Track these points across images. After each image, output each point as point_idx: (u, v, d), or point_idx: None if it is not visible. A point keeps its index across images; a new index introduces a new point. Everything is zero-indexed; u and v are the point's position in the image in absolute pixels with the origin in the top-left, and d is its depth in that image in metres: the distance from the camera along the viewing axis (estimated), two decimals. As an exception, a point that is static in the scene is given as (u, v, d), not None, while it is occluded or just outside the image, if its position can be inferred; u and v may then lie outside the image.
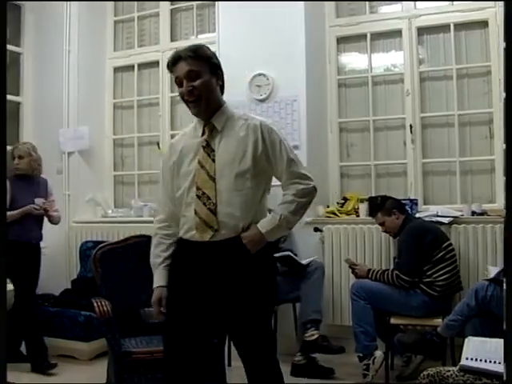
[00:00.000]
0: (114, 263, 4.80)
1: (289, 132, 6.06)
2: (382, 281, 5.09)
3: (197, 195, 3.01)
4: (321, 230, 6.02)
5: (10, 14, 7.74)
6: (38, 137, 6.53)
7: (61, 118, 7.35)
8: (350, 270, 5.44)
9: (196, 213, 3.00)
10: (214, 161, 3.03)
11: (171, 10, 7.47)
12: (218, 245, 2.98)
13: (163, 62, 7.24)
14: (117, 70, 7.82)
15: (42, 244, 5.89)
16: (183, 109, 7.21)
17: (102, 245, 4.81)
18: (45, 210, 5.71)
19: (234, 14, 6.49)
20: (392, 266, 5.39)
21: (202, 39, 7.19)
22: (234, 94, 6.23)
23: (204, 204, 2.98)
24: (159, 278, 3.15)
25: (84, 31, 7.50)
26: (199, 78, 3.03)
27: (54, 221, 5.91)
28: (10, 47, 7.66)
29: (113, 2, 7.86)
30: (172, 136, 7.11)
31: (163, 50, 7.29)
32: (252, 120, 3.13)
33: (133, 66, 7.58)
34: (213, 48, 6.50)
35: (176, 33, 7.47)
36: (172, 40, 7.37)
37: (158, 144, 6.98)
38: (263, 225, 3.03)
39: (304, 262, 5.49)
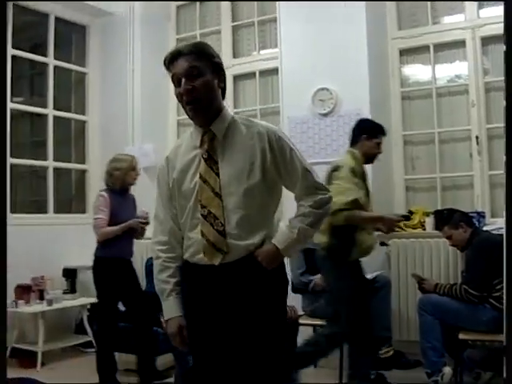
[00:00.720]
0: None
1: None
2: (450, 295, 5.00)
3: (202, 215, 2.70)
4: (387, 244, 5.96)
5: (74, 35, 7.93)
6: (104, 155, 6.60)
7: (126, 136, 7.49)
8: (417, 285, 5.37)
9: (203, 235, 2.70)
10: (218, 175, 2.71)
11: (233, 26, 7.55)
12: (229, 267, 2.69)
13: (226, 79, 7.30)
14: (180, 87, 7.89)
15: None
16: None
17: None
18: (146, 223, 5.61)
19: (295, 28, 6.51)
20: (460, 280, 5.30)
21: (264, 55, 7.26)
22: (298, 108, 6.36)
23: (211, 225, 2.68)
24: (174, 308, 2.83)
25: (147, 50, 7.61)
26: (200, 76, 2.71)
27: (140, 236, 5.81)
28: (75, 67, 7.84)
29: (175, 21, 7.97)
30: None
31: (226, 67, 7.28)
32: (256, 126, 2.80)
33: (195, 84, 7.65)
34: (275, 63, 6.68)
35: (238, 49, 7.54)
36: (234, 57, 7.45)
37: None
38: (279, 240, 2.75)
39: (369, 276, 5.44)
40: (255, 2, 7.36)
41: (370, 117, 6.06)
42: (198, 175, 2.73)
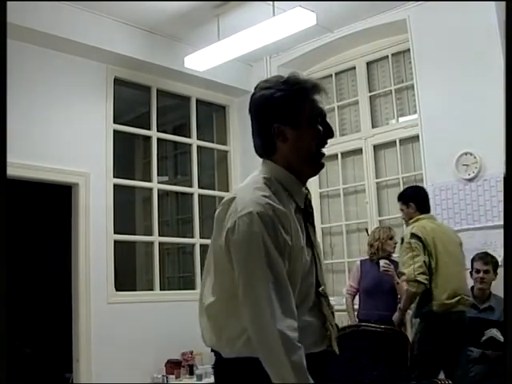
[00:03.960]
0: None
1: (501, 210, 5.84)
2: None
3: (321, 294, 2.21)
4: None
5: (215, 115, 8.18)
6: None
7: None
8: None
9: (327, 319, 2.21)
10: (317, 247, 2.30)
11: (370, 96, 7.56)
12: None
13: (366, 149, 7.34)
14: (321, 159, 7.92)
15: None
16: (391, 193, 7.19)
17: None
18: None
19: (433, 93, 6.46)
20: None
21: (402, 122, 7.20)
22: (441, 175, 6.25)
23: (328, 306, 2.24)
24: None
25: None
26: None
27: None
28: (217, 146, 8.03)
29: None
30: (380, 222, 7.07)
31: (365, 137, 7.38)
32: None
33: (336, 155, 7.67)
34: (415, 130, 6.64)
35: (376, 118, 7.52)
36: (373, 126, 7.44)
37: (367, 230, 6.91)
38: None
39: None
40: (391, 71, 7.37)
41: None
42: (310, 244, 2.22)
